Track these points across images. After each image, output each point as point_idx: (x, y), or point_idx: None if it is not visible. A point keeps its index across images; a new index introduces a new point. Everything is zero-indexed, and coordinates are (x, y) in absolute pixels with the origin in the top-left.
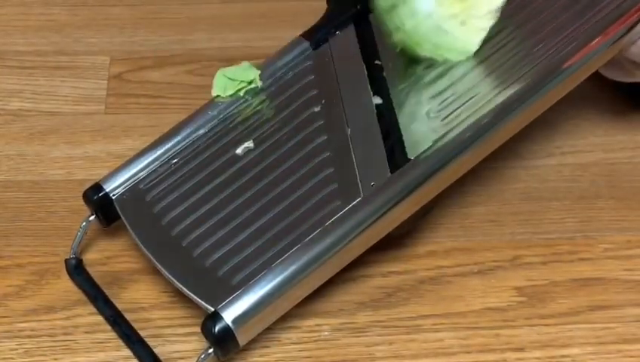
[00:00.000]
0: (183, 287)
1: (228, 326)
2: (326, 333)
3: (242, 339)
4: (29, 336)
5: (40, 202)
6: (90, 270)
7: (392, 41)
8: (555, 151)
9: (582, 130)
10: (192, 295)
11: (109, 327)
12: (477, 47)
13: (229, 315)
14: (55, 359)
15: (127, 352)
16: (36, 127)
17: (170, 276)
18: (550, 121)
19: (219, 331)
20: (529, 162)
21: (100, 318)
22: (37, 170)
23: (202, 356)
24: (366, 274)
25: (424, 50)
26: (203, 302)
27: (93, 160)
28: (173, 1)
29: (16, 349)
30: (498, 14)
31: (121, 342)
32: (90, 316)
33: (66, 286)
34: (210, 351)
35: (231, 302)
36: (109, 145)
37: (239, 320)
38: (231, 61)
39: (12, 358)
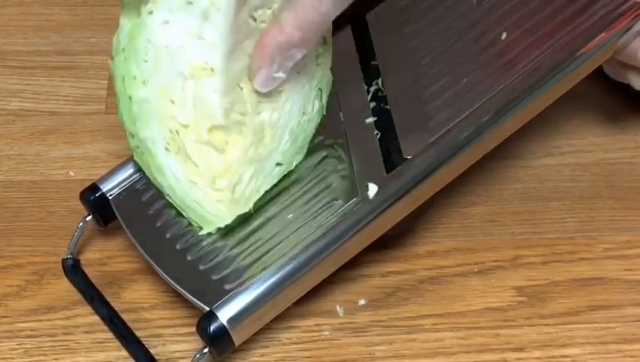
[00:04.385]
0: (178, 287)
1: (223, 325)
2: (326, 333)
3: (238, 339)
4: (29, 336)
5: (40, 202)
6: (90, 270)
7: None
8: (555, 151)
9: (582, 130)
10: (188, 294)
11: None
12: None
13: (225, 315)
14: (55, 359)
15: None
16: (36, 127)
17: (165, 276)
18: (550, 121)
19: (214, 330)
20: (529, 162)
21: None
22: (37, 170)
23: (197, 355)
24: (366, 273)
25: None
26: (198, 302)
27: (93, 160)
28: None
29: (17, 349)
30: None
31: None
32: (90, 316)
33: (66, 286)
34: (206, 350)
35: (226, 302)
36: (110, 145)
37: (234, 319)
38: None
39: (12, 358)
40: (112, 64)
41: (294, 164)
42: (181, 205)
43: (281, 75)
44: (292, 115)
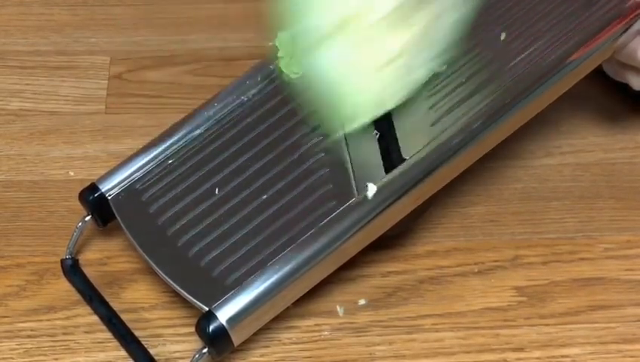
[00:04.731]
0: (177, 287)
1: (222, 325)
2: (326, 333)
3: (237, 339)
4: (29, 336)
5: (40, 202)
6: (90, 270)
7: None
8: (555, 151)
9: (582, 130)
10: (187, 294)
11: None
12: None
13: (224, 315)
14: (55, 359)
15: None
16: (36, 127)
17: (165, 276)
18: (550, 121)
19: (213, 330)
20: (529, 162)
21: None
22: (37, 170)
23: (197, 356)
24: (366, 273)
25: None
26: (197, 302)
27: (93, 160)
28: (174, 1)
29: (17, 349)
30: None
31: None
32: (90, 316)
33: (66, 286)
34: (205, 350)
35: (225, 302)
36: (109, 145)
37: (234, 319)
38: (231, 61)
39: (12, 358)
40: None
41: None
42: (331, 97)
43: None
44: (446, 17)
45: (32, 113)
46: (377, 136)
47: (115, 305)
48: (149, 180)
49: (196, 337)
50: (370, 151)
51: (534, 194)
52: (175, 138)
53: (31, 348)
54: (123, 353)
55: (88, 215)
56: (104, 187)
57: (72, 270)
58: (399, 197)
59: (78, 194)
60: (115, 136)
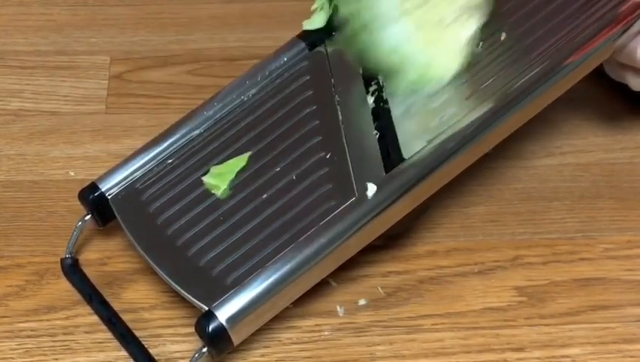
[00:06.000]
0: (177, 286)
1: (222, 325)
2: (326, 333)
3: (236, 338)
4: (30, 336)
5: (40, 202)
6: (90, 270)
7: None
8: (556, 151)
9: (582, 130)
10: (187, 294)
11: None
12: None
13: (223, 314)
14: (55, 359)
15: None
16: (36, 127)
17: (164, 275)
18: (550, 121)
19: (213, 330)
20: (529, 162)
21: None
22: (37, 170)
23: (196, 355)
24: (366, 273)
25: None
26: (197, 301)
27: (93, 160)
28: (174, 1)
29: (17, 349)
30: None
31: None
32: (90, 316)
33: (66, 286)
34: (204, 350)
35: (225, 301)
36: (110, 145)
37: (233, 319)
38: (231, 61)
39: (12, 358)
40: None
41: None
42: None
43: None
44: None
45: (32, 113)
46: (377, 135)
47: (114, 305)
48: (149, 180)
49: (196, 337)
50: (371, 151)
51: (535, 194)
52: (175, 137)
53: (31, 348)
54: (123, 353)
55: (88, 214)
56: (104, 186)
57: (72, 269)
58: (399, 197)
59: (78, 193)
60: (115, 136)
